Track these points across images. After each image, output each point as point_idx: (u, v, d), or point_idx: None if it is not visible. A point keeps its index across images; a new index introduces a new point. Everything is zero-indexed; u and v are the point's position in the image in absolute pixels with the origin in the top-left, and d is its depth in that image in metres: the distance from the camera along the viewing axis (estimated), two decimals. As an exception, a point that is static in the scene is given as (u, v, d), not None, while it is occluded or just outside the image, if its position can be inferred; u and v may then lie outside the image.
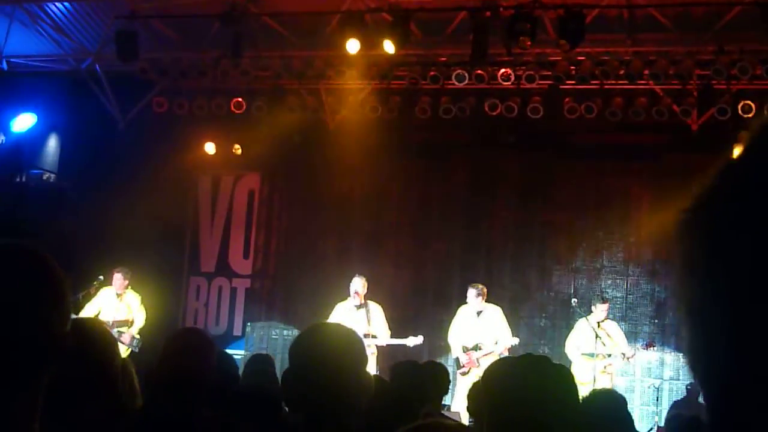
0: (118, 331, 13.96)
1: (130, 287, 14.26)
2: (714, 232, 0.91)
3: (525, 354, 3.09)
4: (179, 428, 3.66)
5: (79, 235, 14.75)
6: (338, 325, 3.64)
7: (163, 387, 3.93)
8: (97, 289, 13.94)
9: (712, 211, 0.92)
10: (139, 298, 14.34)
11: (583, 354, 12.82)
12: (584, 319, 13.11)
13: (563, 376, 2.93)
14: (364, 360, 3.13)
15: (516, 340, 13.17)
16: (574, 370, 12.17)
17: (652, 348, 13.41)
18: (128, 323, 14.14)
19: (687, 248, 0.94)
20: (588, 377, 12.17)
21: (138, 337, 14.15)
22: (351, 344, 3.10)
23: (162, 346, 4.04)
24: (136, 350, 13.98)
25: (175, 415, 3.69)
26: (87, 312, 13.83)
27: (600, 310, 13.10)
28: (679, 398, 14.47)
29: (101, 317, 13.96)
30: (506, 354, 13.04)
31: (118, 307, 14.14)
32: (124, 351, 13.59)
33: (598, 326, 12.94)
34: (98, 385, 2.83)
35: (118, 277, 14.10)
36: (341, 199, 16.09)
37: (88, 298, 13.67)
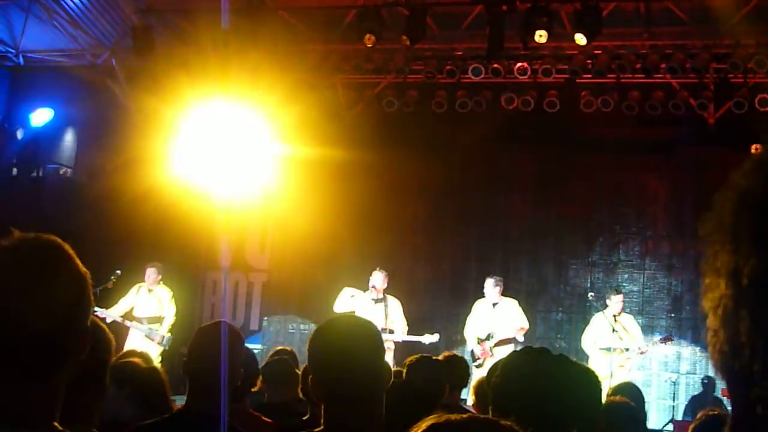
0: (150, 329, 14.02)
1: (161, 282, 14.33)
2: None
3: (532, 348, 3.05)
4: (217, 425, 3.67)
5: (96, 229, 14.78)
6: (354, 316, 3.67)
7: (197, 383, 3.94)
8: (114, 284, 13.96)
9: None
10: (171, 293, 14.38)
11: (600, 348, 12.79)
12: (601, 313, 13.07)
13: (579, 374, 2.92)
14: (382, 349, 3.15)
15: (524, 319, 13.21)
16: (591, 364, 12.16)
17: (670, 342, 13.35)
18: (160, 320, 14.20)
19: (738, 230, 0.93)
20: (605, 372, 12.14)
21: (168, 335, 14.20)
22: (368, 334, 3.13)
23: (191, 341, 4.05)
24: (167, 347, 14.05)
25: (213, 411, 3.71)
26: (121, 307, 13.93)
27: (615, 302, 13.04)
28: (696, 393, 14.46)
29: (135, 314, 14.05)
30: (520, 336, 13.10)
31: (150, 302, 14.20)
32: (156, 350, 13.66)
33: (615, 320, 12.91)
34: (88, 384, 2.84)
35: (151, 272, 14.17)
36: (357, 193, 16.09)
37: (106, 292, 13.72)
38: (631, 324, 13.10)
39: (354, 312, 12.38)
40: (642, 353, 13.00)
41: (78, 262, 1.94)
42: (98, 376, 2.98)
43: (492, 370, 2.94)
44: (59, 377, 1.88)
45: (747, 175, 0.94)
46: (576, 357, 3.20)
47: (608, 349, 12.68)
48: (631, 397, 5.56)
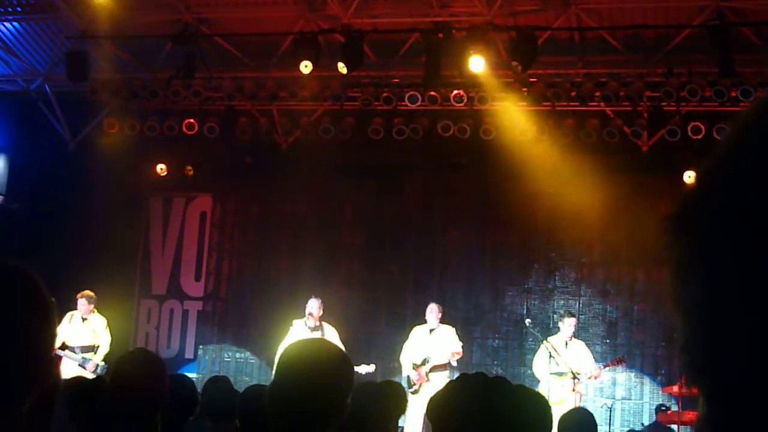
0: (83, 358, 13.77)
1: (95, 311, 14.10)
2: (703, 235, 0.91)
3: (468, 375, 3.01)
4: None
5: (28, 256, 14.53)
6: (330, 342, 3.64)
7: (116, 411, 3.86)
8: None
9: (700, 214, 0.92)
10: (105, 321, 14.16)
11: (551, 373, 12.80)
12: (546, 340, 13.06)
13: (521, 397, 2.89)
14: (351, 382, 3.12)
15: (460, 345, 13.23)
16: (543, 389, 12.19)
17: (623, 363, 13.43)
18: (94, 348, 13.97)
19: (677, 253, 0.94)
20: (557, 397, 12.16)
21: (102, 363, 13.96)
22: (346, 366, 3.11)
23: (112, 369, 3.99)
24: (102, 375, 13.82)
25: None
26: None
27: (567, 324, 13.05)
28: (638, 420, 14.55)
29: (68, 343, 13.80)
30: (454, 360, 13.11)
31: (84, 331, 13.96)
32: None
33: (566, 345, 12.92)
34: None
35: (82, 303, 13.95)
36: (294, 220, 16.04)
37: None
38: (582, 348, 13.14)
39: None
40: (594, 377, 13.01)
41: (44, 290, 1.88)
42: (49, 401, 2.90)
43: (430, 405, 2.88)
44: (19, 410, 1.81)
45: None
46: (519, 383, 3.15)
47: (559, 374, 12.71)
48: (583, 423, 5.57)
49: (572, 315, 13.41)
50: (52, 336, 1.89)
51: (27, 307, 1.83)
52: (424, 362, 13.17)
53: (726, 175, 0.92)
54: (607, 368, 13.16)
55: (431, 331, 13.38)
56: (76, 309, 13.98)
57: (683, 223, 0.95)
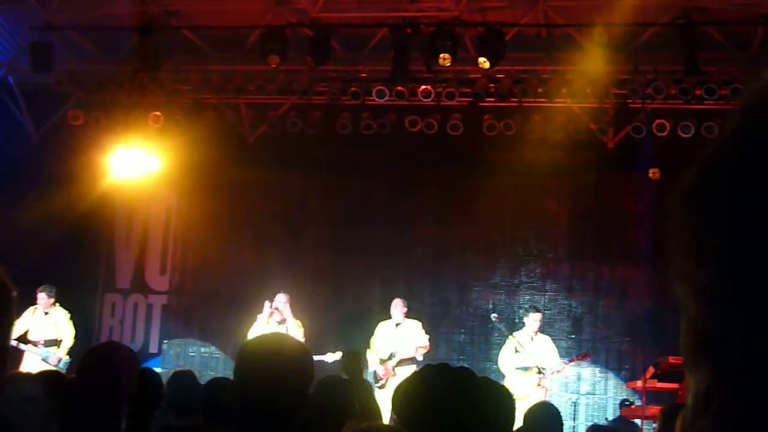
0: (46, 351, 13.65)
1: (57, 304, 13.98)
2: (717, 210, 0.90)
3: (432, 366, 3.01)
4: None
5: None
6: (290, 337, 3.66)
7: (82, 404, 3.83)
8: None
9: (715, 189, 0.91)
10: (67, 315, 14.05)
11: (516, 368, 12.85)
12: (511, 335, 13.13)
13: (483, 387, 2.89)
14: (312, 373, 3.14)
15: (426, 339, 13.28)
16: (508, 384, 12.24)
17: (587, 358, 13.52)
18: (57, 342, 13.85)
19: (687, 231, 0.93)
20: (523, 392, 12.21)
21: (66, 357, 13.83)
22: (305, 358, 3.13)
23: (79, 362, 3.95)
24: (65, 370, 13.67)
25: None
26: (15, 330, 13.46)
27: (533, 320, 13.17)
28: (603, 414, 14.64)
29: (30, 337, 13.67)
30: (419, 355, 13.15)
31: (46, 325, 13.84)
32: None
33: (531, 339, 13.02)
34: None
35: (42, 297, 13.82)
36: (260, 214, 15.98)
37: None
38: (547, 343, 13.21)
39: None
40: (558, 372, 13.10)
41: (5, 279, 1.86)
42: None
43: (395, 394, 2.88)
44: None
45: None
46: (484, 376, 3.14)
47: (525, 369, 12.76)
48: (548, 418, 5.59)
49: (537, 310, 13.49)
50: (9, 326, 1.86)
51: None
52: (391, 357, 13.20)
53: (738, 152, 0.91)
54: (571, 363, 13.24)
55: (397, 325, 13.44)
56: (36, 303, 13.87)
57: (695, 199, 0.94)
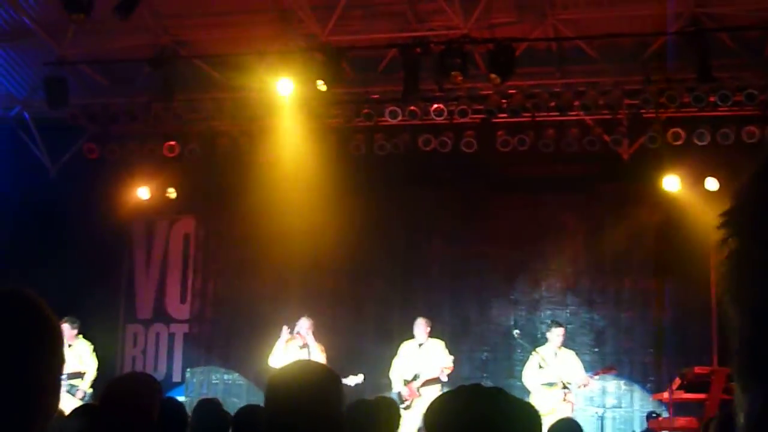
0: (71, 385, 13.63)
1: (80, 335, 14.00)
2: (763, 227, 0.89)
3: (465, 387, 3.00)
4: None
5: (12, 284, 14.42)
6: (314, 362, 3.69)
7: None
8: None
9: (758, 207, 0.90)
10: (91, 346, 14.05)
11: (542, 384, 12.81)
12: (542, 347, 13.11)
13: (516, 408, 2.87)
14: (335, 399, 3.15)
15: (450, 359, 13.22)
16: (533, 400, 12.20)
17: (613, 372, 13.47)
18: (81, 375, 13.83)
19: (741, 250, 0.92)
20: (548, 407, 12.17)
21: (90, 390, 13.84)
22: (321, 383, 3.14)
23: (102, 393, 3.96)
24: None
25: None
26: None
27: (555, 335, 13.14)
28: (630, 428, 14.56)
29: None
30: (444, 375, 13.09)
31: (70, 357, 13.84)
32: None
33: (555, 354, 12.99)
34: None
35: (66, 328, 13.80)
36: (278, 239, 15.97)
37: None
38: (571, 358, 13.16)
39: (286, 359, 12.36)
40: (584, 386, 13.05)
41: (52, 315, 1.87)
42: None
43: (426, 414, 2.86)
44: None
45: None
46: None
47: (550, 384, 12.71)
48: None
49: (560, 325, 13.43)
50: (60, 363, 1.88)
51: (36, 334, 1.82)
52: (415, 378, 13.16)
53: None
54: (596, 377, 13.18)
55: (420, 345, 13.39)
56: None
57: (747, 218, 0.93)
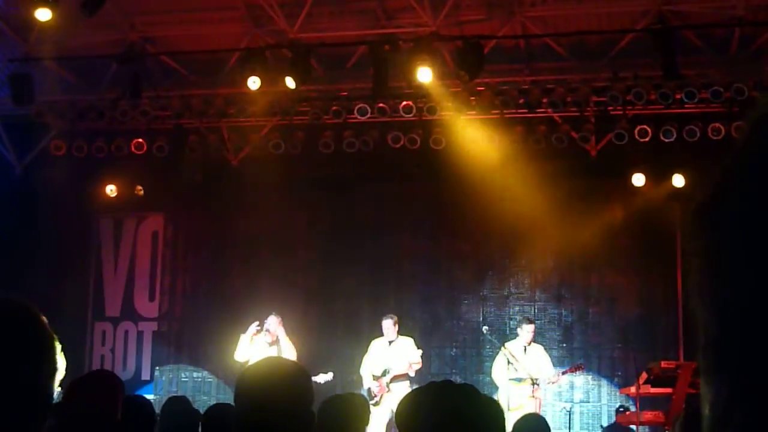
0: None
1: None
2: (740, 226, 0.90)
3: (435, 383, 3.03)
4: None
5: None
6: (284, 359, 3.68)
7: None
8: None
9: (727, 204, 0.92)
10: (59, 346, 13.93)
11: (510, 379, 12.85)
12: (510, 343, 13.15)
13: (484, 404, 2.90)
14: (305, 395, 3.15)
15: (419, 355, 13.26)
16: (501, 395, 12.28)
17: (581, 370, 13.53)
18: None
19: (708, 247, 0.93)
20: (517, 402, 12.23)
21: (59, 389, 13.73)
22: (290, 379, 3.14)
23: (65, 391, 3.96)
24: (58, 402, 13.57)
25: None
26: None
27: (526, 331, 13.19)
28: (598, 422, 14.64)
29: None
30: (412, 372, 13.13)
31: None
32: None
33: (525, 350, 13.03)
34: None
35: None
36: (247, 237, 15.96)
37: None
38: (540, 353, 13.22)
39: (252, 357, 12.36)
40: (553, 383, 13.12)
41: (45, 324, 1.87)
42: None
43: (398, 409, 2.89)
44: None
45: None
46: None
47: (518, 380, 12.76)
48: (536, 429, 5.58)
49: (531, 321, 13.50)
50: (54, 371, 1.88)
51: (29, 342, 1.81)
52: (384, 373, 13.19)
53: (753, 167, 0.91)
54: (565, 374, 13.25)
55: (390, 342, 13.41)
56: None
57: (711, 216, 0.94)
